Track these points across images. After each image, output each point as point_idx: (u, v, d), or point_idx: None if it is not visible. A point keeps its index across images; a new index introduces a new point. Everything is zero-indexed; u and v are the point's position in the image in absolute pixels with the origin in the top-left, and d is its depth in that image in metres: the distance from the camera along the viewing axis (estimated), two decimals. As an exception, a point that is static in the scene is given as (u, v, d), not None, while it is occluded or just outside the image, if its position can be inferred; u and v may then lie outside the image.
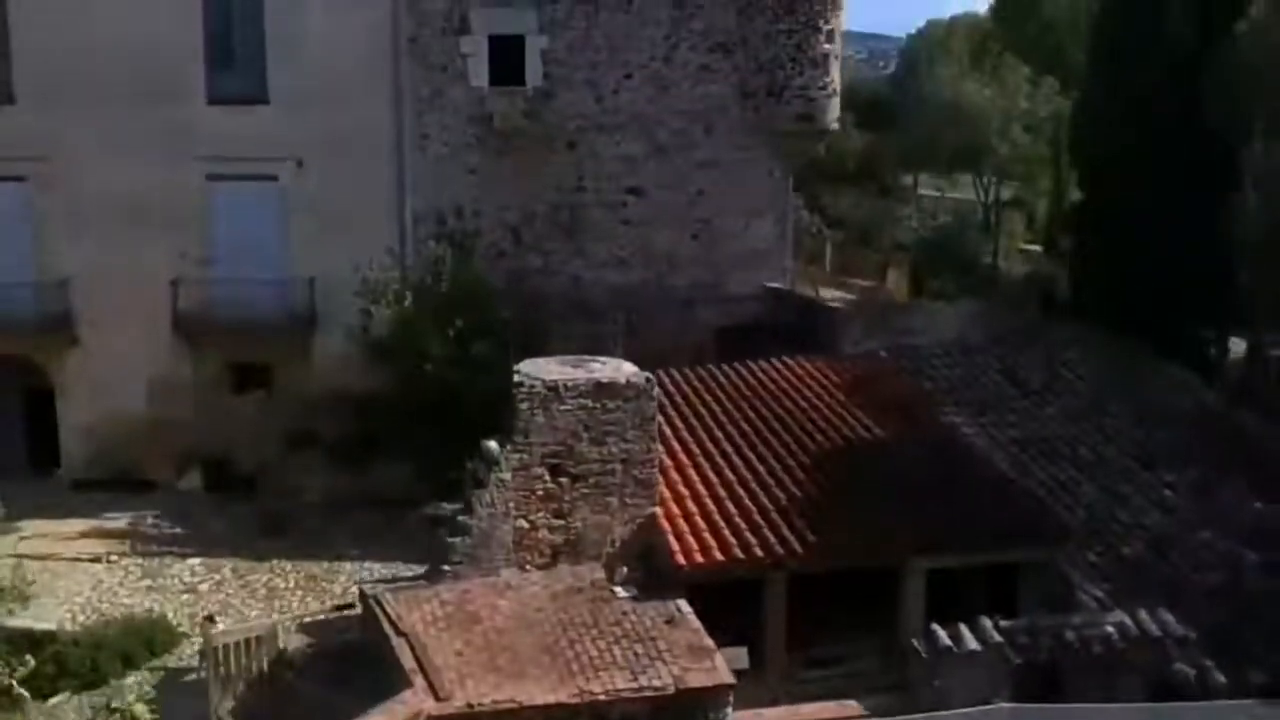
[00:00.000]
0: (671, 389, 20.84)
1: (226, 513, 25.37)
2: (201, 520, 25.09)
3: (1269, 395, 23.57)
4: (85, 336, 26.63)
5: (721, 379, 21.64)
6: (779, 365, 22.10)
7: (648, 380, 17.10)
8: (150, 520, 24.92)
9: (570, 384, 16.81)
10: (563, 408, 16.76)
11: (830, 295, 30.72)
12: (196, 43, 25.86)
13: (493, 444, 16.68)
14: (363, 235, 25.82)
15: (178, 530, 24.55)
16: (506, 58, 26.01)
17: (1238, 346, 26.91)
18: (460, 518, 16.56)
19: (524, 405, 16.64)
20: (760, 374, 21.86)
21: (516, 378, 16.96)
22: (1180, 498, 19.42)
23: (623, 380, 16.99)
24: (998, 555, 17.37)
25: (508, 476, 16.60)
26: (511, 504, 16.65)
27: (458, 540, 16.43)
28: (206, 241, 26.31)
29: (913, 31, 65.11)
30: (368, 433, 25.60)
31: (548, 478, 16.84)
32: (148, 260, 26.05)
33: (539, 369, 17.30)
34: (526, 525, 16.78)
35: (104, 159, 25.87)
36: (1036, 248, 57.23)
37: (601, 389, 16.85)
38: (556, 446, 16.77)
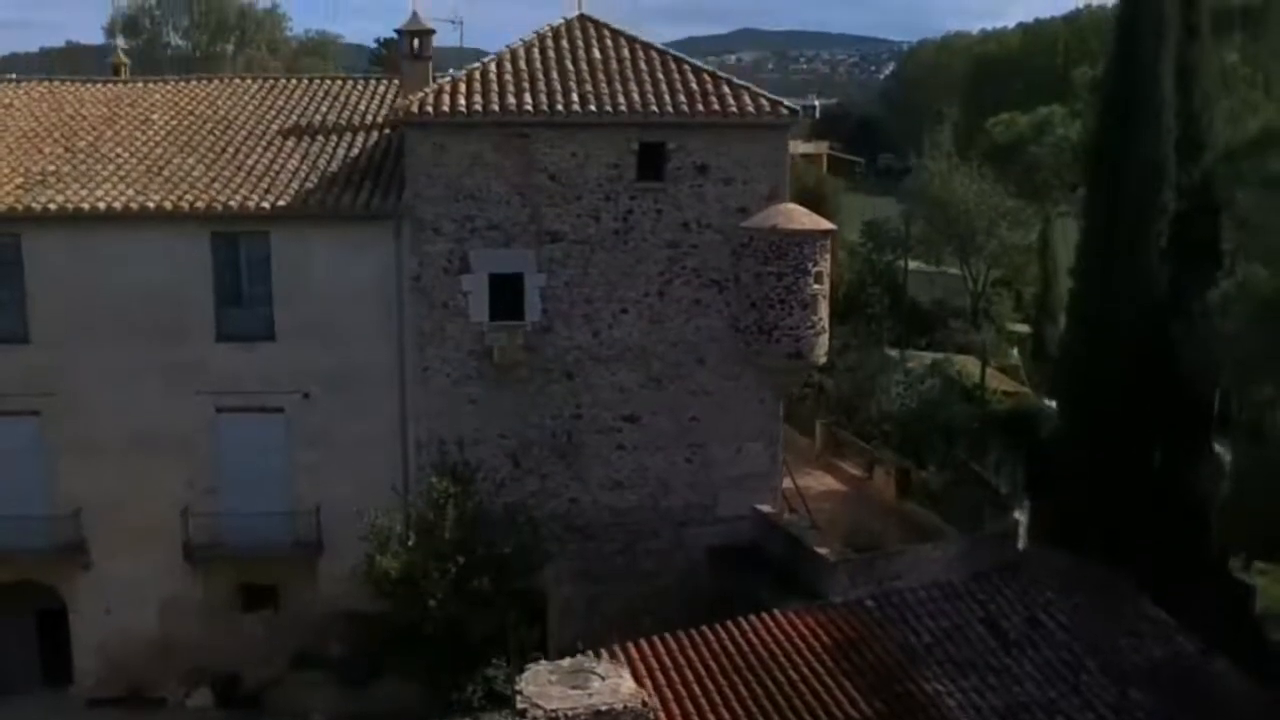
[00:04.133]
0: (667, 660, 21.71)
1: (235, 737, 26.30)
2: (211, 746, 26.02)
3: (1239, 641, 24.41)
4: (97, 560, 27.35)
5: (715, 645, 22.41)
6: (769, 624, 22.90)
7: (644, 704, 17.92)
8: (161, 751, 25.81)
9: (570, 713, 17.63)
10: (562, 734, 17.62)
11: (818, 486, 31.67)
12: (206, 285, 26.51)
13: (497, 775, 17.56)
14: (367, 465, 26.71)
15: (187, 763, 25.47)
16: (506, 295, 26.69)
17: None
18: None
19: (525, 735, 17.47)
20: (752, 635, 22.64)
21: (520, 703, 17.74)
22: (1153, 775, 20.37)
23: (620, 706, 17.79)
24: None
25: (512, 804, 17.47)
26: (514, 825, 17.49)
27: None
28: (214, 471, 27.03)
29: (907, 46, 65.81)
30: (373, 652, 26.44)
31: (549, 800, 17.69)
32: (157, 489, 26.83)
33: (539, 686, 18.01)
34: (528, 844, 17.60)
35: (115, 393, 26.64)
36: (1025, 328, 58.74)
37: (600, 717, 17.70)
38: (557, 771, 17.63)
